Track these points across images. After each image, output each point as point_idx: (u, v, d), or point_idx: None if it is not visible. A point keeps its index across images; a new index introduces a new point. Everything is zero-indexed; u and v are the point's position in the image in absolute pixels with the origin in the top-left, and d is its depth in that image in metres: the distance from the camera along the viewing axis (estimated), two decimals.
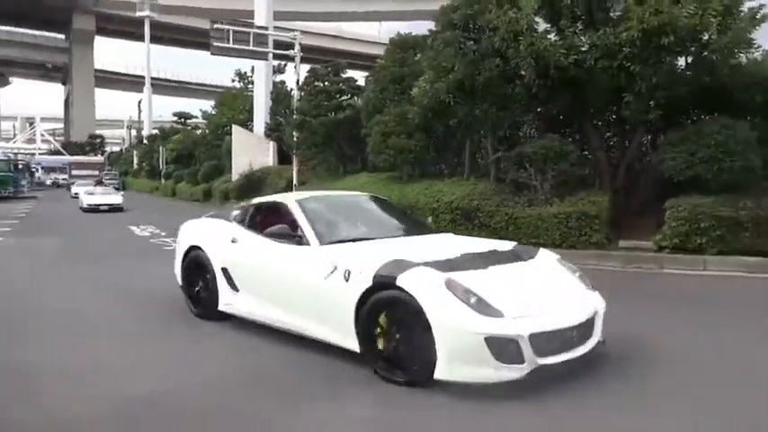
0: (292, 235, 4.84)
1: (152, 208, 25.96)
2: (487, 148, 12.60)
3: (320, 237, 4.75)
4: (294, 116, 19.59)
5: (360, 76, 23.66)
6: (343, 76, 19.96)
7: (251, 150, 25.89)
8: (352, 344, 4.20)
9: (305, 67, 22.57)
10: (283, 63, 31.01)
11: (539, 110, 12.68)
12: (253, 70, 31.14)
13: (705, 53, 9.90)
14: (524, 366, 3.59)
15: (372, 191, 14.28)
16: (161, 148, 40.88)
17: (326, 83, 19.31)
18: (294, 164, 20.58)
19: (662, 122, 11.44)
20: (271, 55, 23.80)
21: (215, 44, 20.79)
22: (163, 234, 14.49)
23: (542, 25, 11.04)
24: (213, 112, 37.45)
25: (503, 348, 3.57)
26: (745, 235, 9.12)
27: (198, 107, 47.63)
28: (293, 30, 24.76)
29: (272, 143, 25.67)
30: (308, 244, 4.74)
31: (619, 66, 9.74)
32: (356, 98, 19.40)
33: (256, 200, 6.06)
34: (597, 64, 9.86)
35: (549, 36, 10.61)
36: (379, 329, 4.04)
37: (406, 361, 3.89)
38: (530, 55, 10.08)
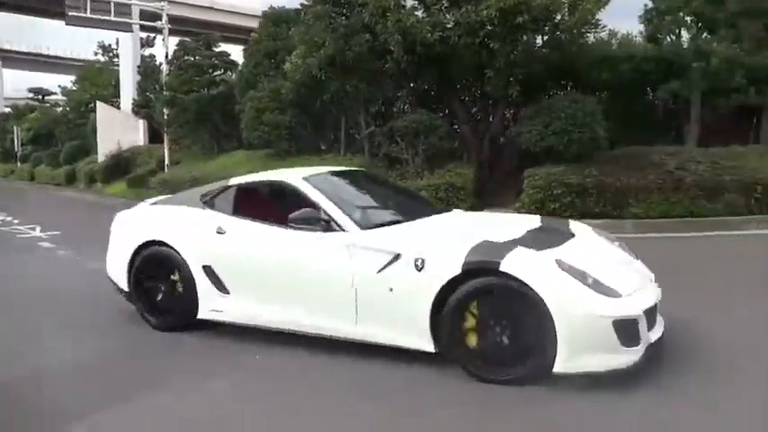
0: (318, 219, 3.98)
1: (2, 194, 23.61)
2: (361, 124, 12.76)
3: (358, 221, 4.00)
4: (164, 92, 18.58)
5: (236, 50, 22.87)
6: (216, 49, 19.18)
7: (118, 129, 24.25)
8: (424, 344, 3.59)
9: (175, 41, 21.38)
10: (152, 36, 29.16)
11: (411, 85, 13.04)
12: (118, 43, 29.01)
13: (557, 33, 10.64)
14: (640, 348, 3.28)
15: (249, 169, 14.02)
16: (15, 128, 37.07)
17: (197, 57, 18.45)
18: (165, 142, 19.58)
19: (521, 98, 12.21)
20: (136, 26, 22.29)
21: (70, 13, 19.11)
22: (16, 221, 13.27)
23: (410, 2, 11.30)
24: (74, 88, 34.50)
25: (627, 330, 3.23)
26: (591, 200, 10.04)
27: (58, 83, 43.58)
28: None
29: (141, 121, 24.19)
30: (341, 230, 3.94)
31: (480, 43, 10.23)
32: (230, 73, 18.77)
33: (237, 180, 4.90)
34: (460, 41, 10.28)
35: (416, 13, 10.89)
36: (468, 324, 3.47)
37: (514, 356, 3.39)
38: (397, 31, 10.30)
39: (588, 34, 11.46)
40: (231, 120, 17.17)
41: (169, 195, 5.70)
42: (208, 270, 4.40)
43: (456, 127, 12.63)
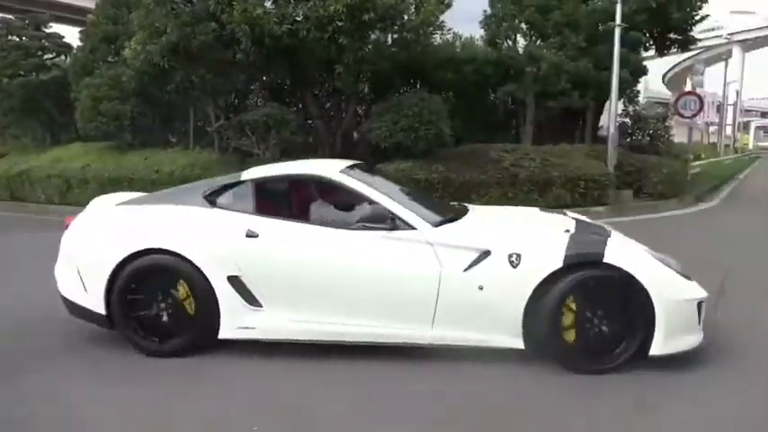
0: (387, 218, 3.64)
1: None
2: (210, 116, 12.23)
3: (426, 217, 3.73)
4: None
5: (73, 33, 20.82)
6: (47, 30, 17.30)
7: None
8: (514, 341, 3.51)
9: None
10: None
11: (263, 78, 12.73)
12: None
13: (404, 32, 10.95)
14: (701, 327, 3.62)
15: (86, 161, 12.90)
16: None
17: (24, 38, 16.51)
18: None
19: (373, 94, 12.47)
20: None
21: None
22: None
23: None
24: None
25: (701, 311, 3.55)
26: (437, 194, 10.48)
27: None
28: None
29: None
30: (410, 228, 3.64)
31: (329, 38, 10.21)
32: (65, 57, 17.04)
33: (252, 174, 4.16)
34: (309, 35, 10.18)
35: (265, 4, 10.61)
36: (567, 317, 3.47)
37: (613, 345, 3.48)
38: (244, 21, 9.96)
39: (434, 35, 11.94)
40: (67, 109, 15.60)
41: (142, 194, 4.58)
42: (234, 281, 3.73)
43: (310, 121, 12.55)
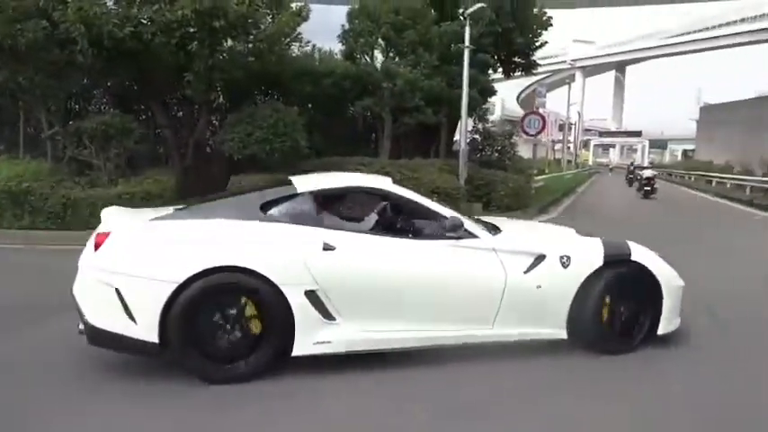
0: (460, 227, 3.86)
1: None
2: (43, 122, 11.09)
3: (485, 227, 4.14)
4: None
5: None
6: None
7: None
8: (559, 332, 4.03)
9: None
10: None
11: (108, 83, 11.80)
12: None
13: (258, 42, 10.71)
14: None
15: None
16: None
17: None
18: None
19: (229, 104, 12.07)
20: None
21: None
22: None
23: None
24: None
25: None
26: None
27: None
28: None
29: None
30: (472, 236, 3.91)
31: (177, 44, 9.72)
32: None
33: (308, 186, 3.95)
34: (155, 39, 9.63)
35: (106, 3, 9.86)
36: (604, 307, 4.06)
37: (637, 329, 4.16)
38: (79, 20, 9.17)
39: (290, 47, 11.85)
40: None
41: (178, 207, 4.05)
42: (311, 295, 3.58)
43: (159, 131, 11.85)
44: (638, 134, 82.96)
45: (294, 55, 12.46)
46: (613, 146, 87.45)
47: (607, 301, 4.05)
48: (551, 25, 15.64)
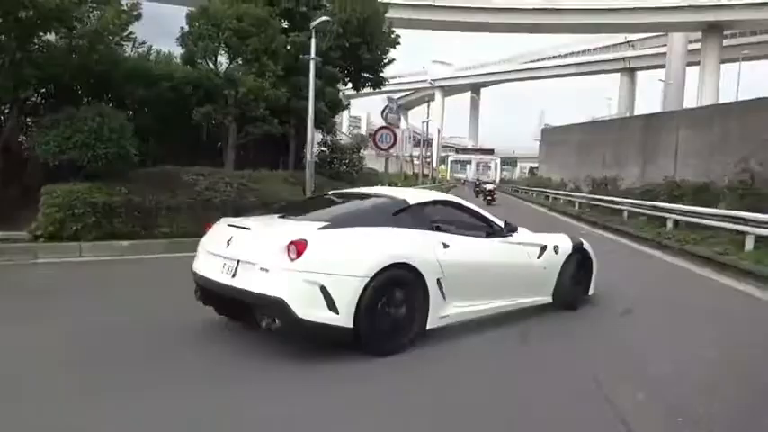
0: (497, 229, 5.59)
1: None
2: None
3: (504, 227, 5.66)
4: None
5: None
6: None
7: None
8: (548, 298, 5.94)
9: None
10: None
11: None
12: None
13: (79, 39, 9.80)
14: None
15: None
16: None
17: None
18: None
19: (49, 104, 10.90)
20: None
21: None
22: None
23: None
24: None
25: None
26: (119, 220, 9.53)
27: None
28: None
29: None
30: (506, 235, 5.60)
31: None
32: None
33: (415, 199, 5.20)
34: None
35: None
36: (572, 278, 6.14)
37: (585, 291, 6.43)
38: None
39: (123, 46, 11.01)
40: None
41: (329, 219, 4.65)
42: (438, 282, 4.72)
43: None
44: (490, 152, 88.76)
45: (126, 55, 11.58)
46: (469, 162, 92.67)
47: (574, 274, 6.13)
48: (399, 43, 16.15)
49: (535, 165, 63.37)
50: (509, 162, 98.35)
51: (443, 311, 4.80)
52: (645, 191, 17.27)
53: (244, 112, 12.32)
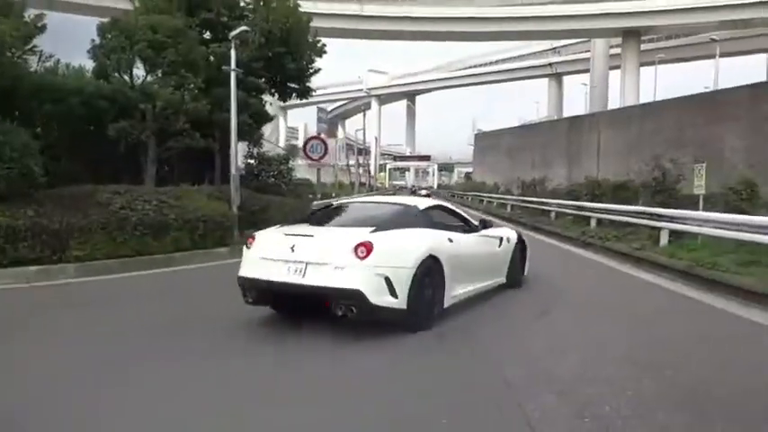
0: (473, 227, 7.01)
1: None
2: None
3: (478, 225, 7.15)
4: None
5: None
6: None
7: None
8: (503, 279, 7.46)
9: None
10: None
11: None
12: None
13: None
14: None
15: None
16: None
17: None
18: None
19: None
20: None
21: None
22: None
23: None
24: None
25: None
26: (25, 244, 8.95)
27: None
28: None
29: None
30: (479, 230, 7.04)
31: None
32: None
33: (423, 204, 6.76)
34: None
35: None
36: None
37: (523, 272, 8.13)
38: None
39: (26, 59, 10.43)
40: None
41: (373, 224, 5.72)
42: (450, 269, 5.89)
43: None
44: (427, 158, 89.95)
45: (32, 69, 10.97)
46: (408, 169, 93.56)
47: (518, 259, 7.74)
48: (325, 52, 16.04)
49: (470, 170, 64.69)
50: (447, 168, 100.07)
51: (453, 292, 6.03)
52: (569, 191, 17.83)
53: (163, 126, 11.88)
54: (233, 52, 12.03)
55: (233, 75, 12.06)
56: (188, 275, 9.52)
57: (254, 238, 5.89)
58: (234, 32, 11.95)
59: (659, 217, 10.77)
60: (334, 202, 8.18)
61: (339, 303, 5.12)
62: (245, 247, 5.88)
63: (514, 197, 23.95)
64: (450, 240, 6.05)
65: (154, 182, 12.46)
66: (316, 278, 5.14)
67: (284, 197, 14.08)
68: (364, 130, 52.96)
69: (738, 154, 15.29)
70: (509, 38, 56.38)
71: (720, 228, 9.02)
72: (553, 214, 17.74)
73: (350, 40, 54.12)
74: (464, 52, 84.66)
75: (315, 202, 17.04)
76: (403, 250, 5.43)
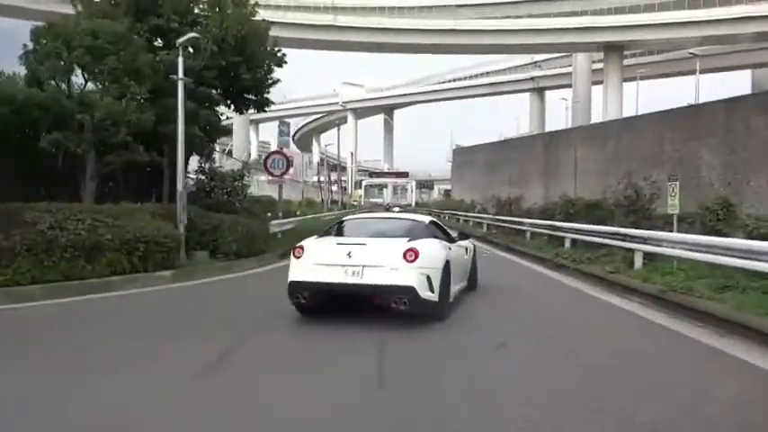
0: (452, 238, 8.70)
1: None
2: None
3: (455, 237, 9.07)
4: None
5: None
6: None
7: None
8: (465, 283, 8.86)
9: None
10: None
11: None
12: None
13: None
14: None
15: None
16: None
17: None
18: None
19: None
20: None
21: None
22: None
23: None
24: None
25: None
26: None
27: None
28: None
29: None
30: (461, 241, 9.08)
31: None
32: None
33: (424, 219, 8.83)
34: None
35: None
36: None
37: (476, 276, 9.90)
38: None
39: None
40: None
41: (406, 235, 7.55)
42: (452, 271, 7.61)
43: None
44: (405, 175, 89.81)
45: None
46: (386, 186, 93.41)
47: (475, 266, 9.45)
48: (285, 62, 15.79)
49: (449, 187, 64.83)
50: (426, 185, 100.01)
51: (453, 290, 7.70)
52: (543, 209, 17.70)
53: (103, 138, 11.45)
54: (180, 60, 11.68)
55: (180, 84, 11.71)
56: (119, 303, 9.02)
57: (302, 248, 7.26)
58: (182, 39, 11.62)
59: (632, 238, 10.61)
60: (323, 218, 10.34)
61: (394, 298, 6.70)
62: (292, 256, 7.32)
63: (490, 216, 23.81)
64: (449, 248, 7.89)
65: (93, 199, 11.99)
66: (373, 278, 6.73)
67: (238, 216, 13.65)
68: (339, 144, 52.76)
69: (715, 171, 15.32)
70: (489, 51, 56.98)
71: (694, 250, 8.86)
72: (528, 234, 17.58)
73: (325, 53, 54.22)
74: (444, 65, 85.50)
75: (274, 221, 16.66)
76: (435, 255, 7.21)
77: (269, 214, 16.43)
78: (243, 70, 14.01)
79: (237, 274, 12.15)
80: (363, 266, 6.73)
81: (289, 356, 5.86)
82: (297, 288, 7.02)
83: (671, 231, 10.17)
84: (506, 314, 7.90)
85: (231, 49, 13.75)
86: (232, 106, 15.54)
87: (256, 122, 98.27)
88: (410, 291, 6.63)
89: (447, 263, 7.31)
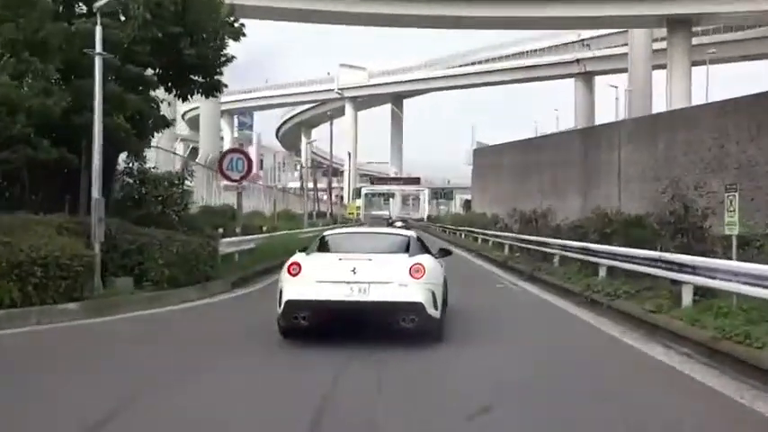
0: (433, 254, 9.99)
1: None
2: None
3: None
4: None
5: None
6: None
7: None
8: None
9: None
10: None
11: None
12: None
13: None
14: None
15: None
16: None
17: None
18: None
19: None
20: None
21: None
22: None
23: None
24: None
25: None
26: None
27: None
28: None
29: None
30: (440, 257, 10.11)
31: None
32: None
33: (414, 235, 10.55)
34: None
35: None
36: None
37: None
38: None
39: None
40: None
41: (405, 251, 9.23)
42: (444, 280, 9.44)
43: None
44: (416, 181, 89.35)
45: None
46: (393, 195, 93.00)
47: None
48: (244, 35, 15.55)
49: (469, 196, 64.52)
50: (444, 194, 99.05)
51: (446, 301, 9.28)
52: (573, 227, 17.25)
53: None
54: (98, 29, 11.40)
55: (98, 60, 11.43)
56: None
57: (298, 264, 8.35)
58: (99, 3, 11.34)
59: (679, 267, 10.13)
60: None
61: (401, 315, 7.94)
62: (286, 274, 8.33)
63: (513, 235, 23.39)
64: (441, 264, 9.53)
65: None
66: (379, 294, 7.88)
67: (174, 232, 13.29)
68: (331, 140, 52.66)
69: None
70: (520, 26, 56.79)
71: (758, 285, 8.38)
72: (557, 258, 17.14)
73: (322, 33, 54.11)
74: (466, 44, 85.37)
75: (226, 240, 16.30)
76: (437, 271, 8.89)
77: (220, 230, 16.03)
78: (185, 44, 13.73)
79: (168, 307, 11.84)
80: (370, 283, 7.92)
81: None
82: (295, 308, 7.96)
83: (729, 259, 9.71)
84: (504, 383, 7.38)
85: (171, 16, 13.46)
86: (174, 90, 15.27)
87: (230, 114, 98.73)
88: (418, 307, 7.92)
89: (445, 279, 9.26)
